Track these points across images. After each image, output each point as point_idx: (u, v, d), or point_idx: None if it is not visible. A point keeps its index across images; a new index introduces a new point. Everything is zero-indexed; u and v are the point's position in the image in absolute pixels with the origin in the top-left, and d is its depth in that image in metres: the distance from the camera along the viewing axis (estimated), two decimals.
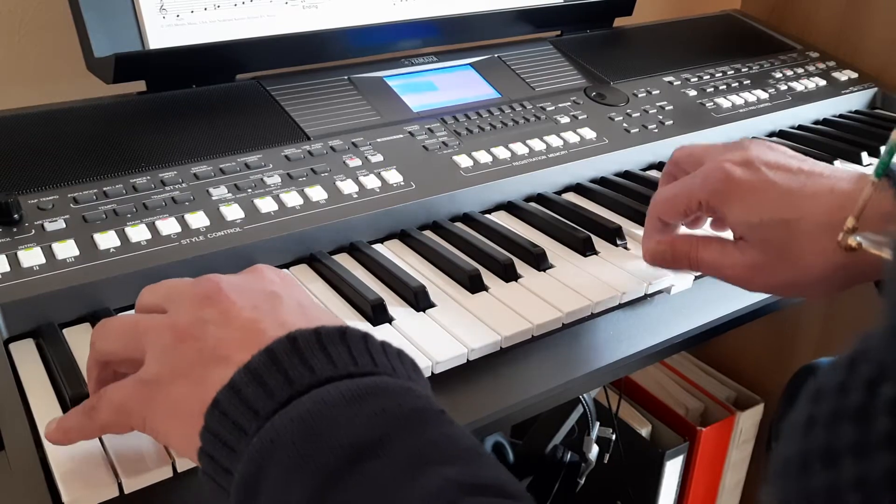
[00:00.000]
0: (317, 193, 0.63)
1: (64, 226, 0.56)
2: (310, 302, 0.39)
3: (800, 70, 0.99)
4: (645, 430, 1.15)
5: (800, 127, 0.92)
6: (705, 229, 0.61)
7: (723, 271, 0.54)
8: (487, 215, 0.69)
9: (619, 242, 0.65)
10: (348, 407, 0.30)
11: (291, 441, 0.30)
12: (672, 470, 1.13)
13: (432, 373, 0.50)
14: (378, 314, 0.54)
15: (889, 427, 0.22)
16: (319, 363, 0.32)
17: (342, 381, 0.32)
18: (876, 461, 0.21)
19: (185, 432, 0.34)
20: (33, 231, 0.55)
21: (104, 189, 0.59)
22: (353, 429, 0.29)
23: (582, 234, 0.64)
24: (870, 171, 0.49)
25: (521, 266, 0.61)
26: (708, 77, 0.93)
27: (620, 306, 0.59)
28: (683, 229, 0.60)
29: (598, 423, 0.98)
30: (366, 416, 0.30)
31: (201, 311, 0.36)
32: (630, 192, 0.73)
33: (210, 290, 0.37)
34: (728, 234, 0.56)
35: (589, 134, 0.78)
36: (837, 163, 0.82)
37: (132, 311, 0.54)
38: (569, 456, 0.96)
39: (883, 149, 0.46)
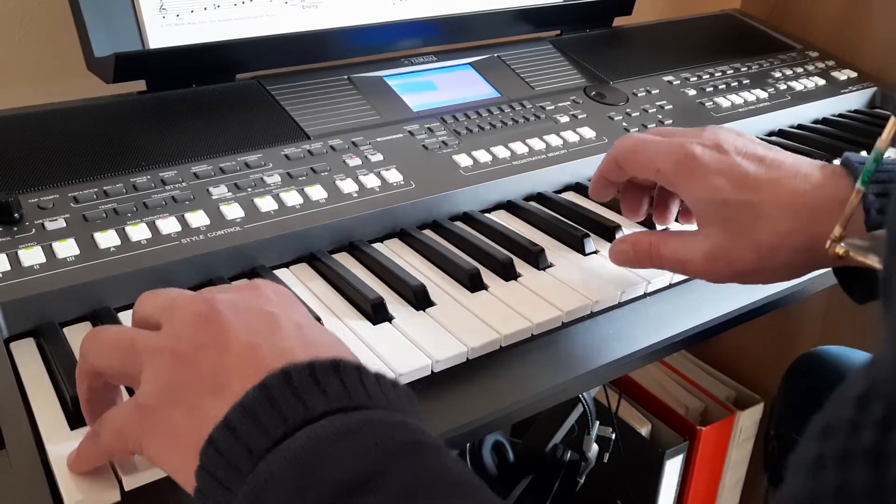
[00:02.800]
0: (317, 193, 0.63)
1: (64, 225, 0.56)
2: (308, 321, 0.39)
3: (799, 69, 0.99)
4: (645, 430, 1.15)
5: (799, 126, 0.92)
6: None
7: (686, 265, 0.53)
8: (487, 214, 0.69)
9: None
10: (341, 442, 0.30)
11: (285, 479, 0.30)
12: (672, 469, 1.13)
13: (432, 371, 0.50)
14: (378, 313, 0.54)
15: None
16: (312, 398, 0.32)
17: (336, 415, 0.31)
18: None
19: (180, 463, 0.34)
20: (34, 230, 0.55)
21: (104, 188, 0.59)
22: (347, 464, 0.29)
23: (581, 233, 0.64)
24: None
25: (520, 265, 0.61)
26: (707, 76, 0.93)
27: (620, 305, 0.59)
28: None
29: (597, 423, 0.98)
30: (359, 451, 0.30)
31: (199, 333, 0.36)
32: None
33: (208, 311, 0.37)
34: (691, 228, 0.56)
35: (588, 133, 0.78)
36: (837, 162, 0.82)
37: (129, 312, 0.54)
38: (569, 455, 0.96)
39: (864, 154, 0.46)
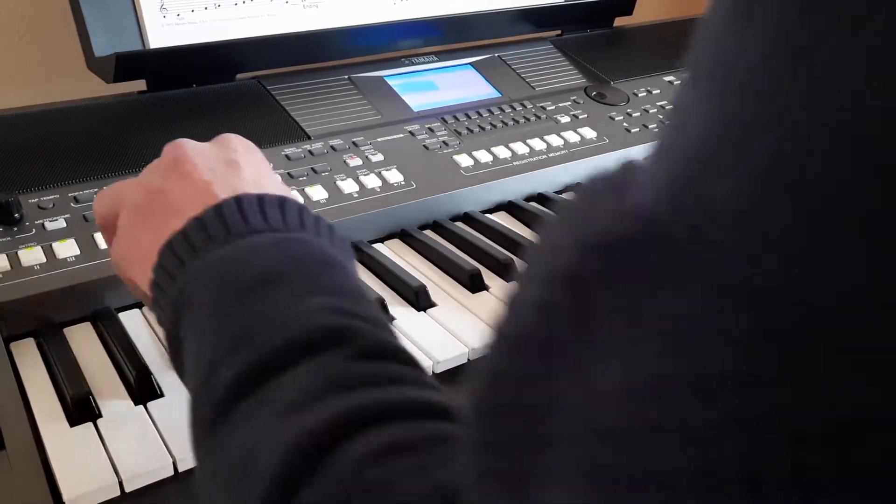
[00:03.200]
0: (317, 193, 0.63)
1: (64, 225, 0.56)
2: (265, 170, 0.44)
3: None
4: None
5: None
6: None
7: None
8: (488, 215, 0.69)
9: None
10: (267, 249, 0.36)
11: (215, 269, 0.35)
12: None
13: (433, 372, 0.50)
14: None
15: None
16: (255, 219, 0.37)
17: (270, 232, 0.37)
18: None
19: (142, 268, 0.39)
20: (34, 230, 0.55)
21: (105, 188, 0.59)
22: (266, 263, 0.35)
23: None
24: None
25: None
26: None
27: None
28: None
29: None
30: (279, 256, 0.35)
31: (167, 171, 0.42)
32: None
33: (177, 155, 0.42)
34: None
35: (589, 133, 0.78)
36: None
37: (129, 313, 0.54)
38: None
39: None
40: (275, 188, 0.42)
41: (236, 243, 0.36)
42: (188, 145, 0.43)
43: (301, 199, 0.47)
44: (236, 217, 0.37)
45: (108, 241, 0.45)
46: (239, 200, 0.38)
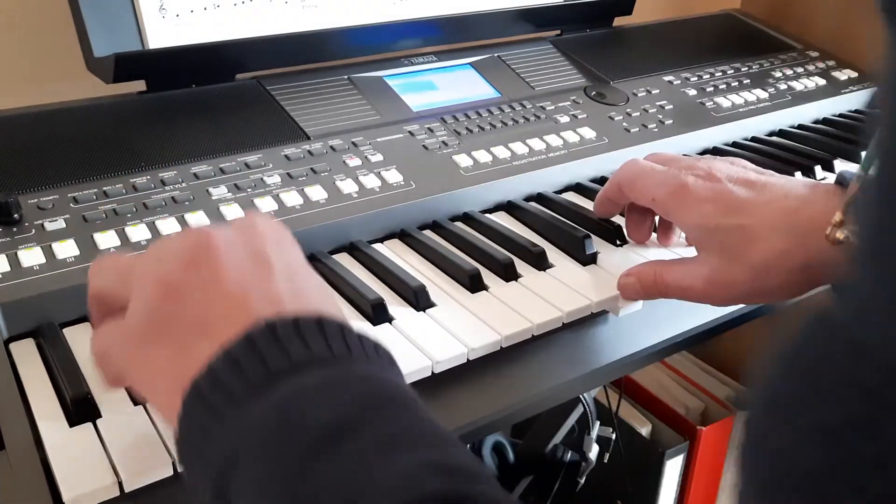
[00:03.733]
0: (317, 193, 0.63)
1: (64, 225, 0.56)
2: (300, 264, 0.39)
3: (800, 69, 0.99)
4: (645, 430, 1.15)
5: (800, 126, 0.92)
6: (678, 253, 0.63)
7: (688, 291, 0.54)
8: (487, 215, 0.69)
9: (618, 242, 0.65)
10: (322, 392, 0.31)
11: (266, 425, 0.30)
12: (672, 469, 1.13)
13: (432, 372, 0.50)
14: (378, 314, 0.54)
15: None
16: (296, 350, 0.32)
17: (318, 367, 0.32)
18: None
19: (163, 402, 0.35)
20: (33, 231, 0.55)
21: (104, 189, 0.59)
22: (327, 412, 0.30)
23: (582, 234, 0.64)
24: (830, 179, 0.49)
25: (521, 265, 0.61)
26: (708, 76, 0.93)
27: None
28: (657, 253, 0.62)
29: (598, 423, 0.98)
30: (339, 401, 0.30)
31: (190, 268, 0.36)
32: None
33: (202, 246, 0.36)
34: (691, 252, 0.57)
35: (589, 133, 0.78)
36: (837, 162, 0.82)
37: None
38: (569, 455, 0.96)
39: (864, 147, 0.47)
40: (311, 286, 0.38)
41: (281, 387, 0.31)
42: (212, 234, 0.37)
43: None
44: (273, 351, 0.32)
45: (96, 321, 0.40)
46: (273, 327, 0.33)
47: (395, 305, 0.56)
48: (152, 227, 0.57)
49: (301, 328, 0.33)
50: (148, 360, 0.35)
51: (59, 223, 0.56)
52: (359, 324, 0.37)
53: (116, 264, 0.39)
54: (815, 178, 0.79)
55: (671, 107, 0.85)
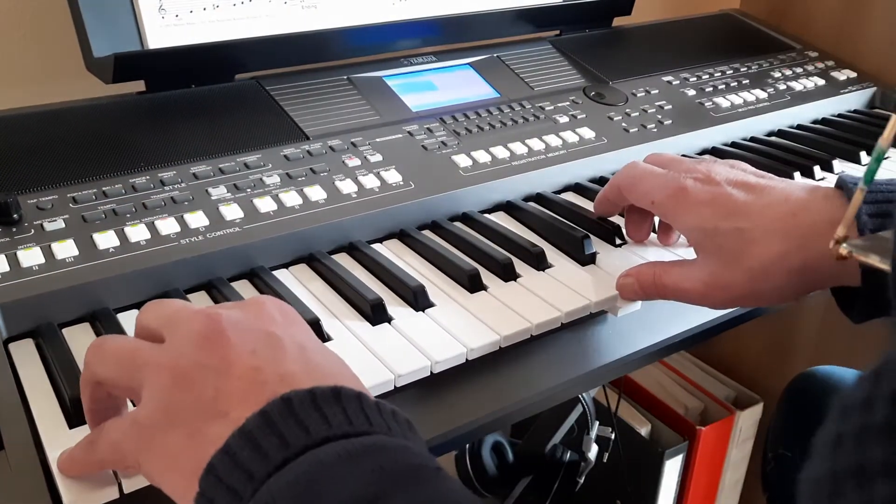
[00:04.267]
0: (316, 193, 0.63)
1: (63, 226, 0.56)
2: (311, 342, 0.39)
3: (799, 70, 0.99)
4: (644, 430, 1.15)
5: (799, 126, 0.92)
6: (678, 253, 0.63)
7: (687, 293, 0.54)
8: (486, 215, 0.69)
9: (617, 242, 0.65)
10: (344, 466, 0.30)
11: (288, 502, 0.29)
12: (671, 469, 1.13)
13: (431, 372, 0.50)
14: (377, 314, 0.54)
15: None
16: (314, 424, 0.32)
17: (338, 441, 0.32)
18: None
19: (180, 486, 0.34)
20: (33, 231, 0.55)
21: (103, 189, 0.59)
22: (350, 487, 0.29)
23: (581, 234, 0.64)
24: (828, 183, 0.49)
25: (520, 266, 0.61)
26: (707, 77, 0.93)
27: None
28: (656, 253, 0.63)
29: (597, 423, 0.99)
30: (362, 475, 0.30)
31: (201, 353, 0.36)
32: None
33: (212, 330, 0.36)
34: (691, 252, 0.57)
35: (588, 133, 0.78)
36: (836, 162, 0.82)
37: (128, 313, 0.54)
38: (568, 455, 0.96)
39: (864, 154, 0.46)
40: (324, 361, 0.38)
41: (302, 462, 0.31)
42: (222, 316, 0.37)
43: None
44: (290, 425, 0.32)
45: (91, 403, 0.40)
46: (289, 402, 0.32)
47: (395, 305, 0.56)
48: (152, 227, 0.57)
49: (318, 401, 0.33)
50: (163, 447, 0.35)
51: (59, 223, 0.56)
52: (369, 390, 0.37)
53: (119, 353, 0.38)
54: (813, 178, 0.79)
55: (670, 107, 0.85)
